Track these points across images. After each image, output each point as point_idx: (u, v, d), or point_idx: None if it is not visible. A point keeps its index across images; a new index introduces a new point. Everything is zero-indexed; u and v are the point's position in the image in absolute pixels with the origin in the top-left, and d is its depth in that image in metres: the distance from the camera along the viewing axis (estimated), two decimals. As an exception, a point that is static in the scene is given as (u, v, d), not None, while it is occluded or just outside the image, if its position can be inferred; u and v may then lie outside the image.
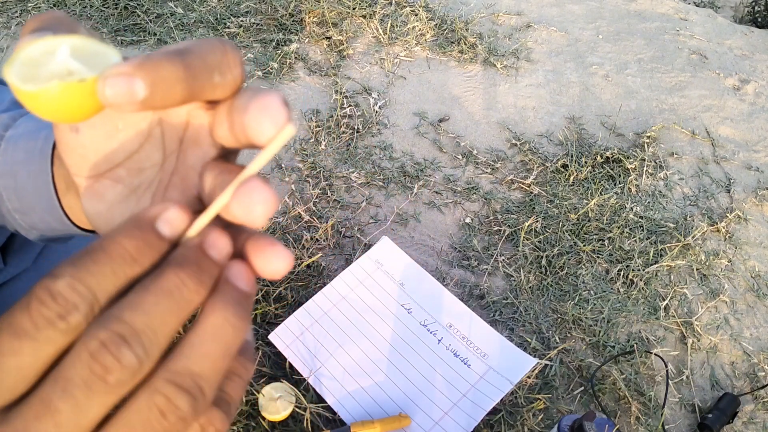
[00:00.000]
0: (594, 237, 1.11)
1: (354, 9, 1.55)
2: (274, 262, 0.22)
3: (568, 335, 0.97)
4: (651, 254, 1.09)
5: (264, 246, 0.23)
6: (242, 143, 0.24)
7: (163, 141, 0.27)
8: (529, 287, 1.02)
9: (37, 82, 0.20)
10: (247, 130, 0.22)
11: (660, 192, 1.23)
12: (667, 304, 1.03)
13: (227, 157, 0.27)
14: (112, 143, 0.26)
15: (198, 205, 0.27)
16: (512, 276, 1.04)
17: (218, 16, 1.50)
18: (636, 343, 0.96)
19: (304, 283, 0.99)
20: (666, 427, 0.89)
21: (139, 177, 0.28)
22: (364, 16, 1.55)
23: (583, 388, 0.91)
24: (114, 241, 0.20)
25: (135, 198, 0.28)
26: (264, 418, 0.81)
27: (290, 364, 0.87)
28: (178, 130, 0.27)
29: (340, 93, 1.33)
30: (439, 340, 0.92)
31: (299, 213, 1.08)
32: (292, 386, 0.83)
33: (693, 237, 1.13)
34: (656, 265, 1.07)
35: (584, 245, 1.09)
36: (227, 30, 1.46)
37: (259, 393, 0.82)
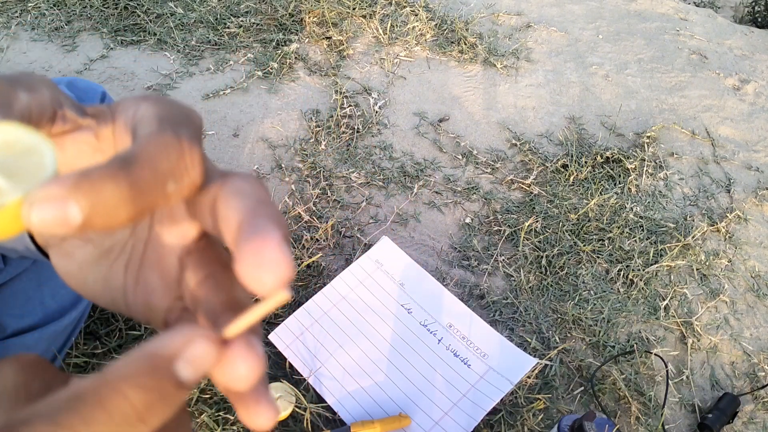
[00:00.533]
0: (594, 237, 1.11)
1: (354, 9, 1.55)
2: (257, 419, 0.19)
3: (568, 335, 0.97)
4: (651, 254, 1.09)
5: (250, 401, 0.19)
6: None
7: None
8: (529, 287, 1.02)
9: None
10: (240, 275, 0.18)
11: (660, 192, 1.23)
12: (667, 304, 1.03)
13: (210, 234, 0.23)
14: None
15: (178, 295, 0.23)
16: (512, 276, 1.04)
17: (218, 16, 1.50)
18: (636, 343, 0.96)
19: (304, 283, 0.99)
20: (666, 427, 0.89)
21: (109, 239, 0.25)
22: (364, 16, 1.55)
23: (583, 388, 0.91)
24: (116, 391, 0.16)
25: (107, 263, 0.25)
26: (264, 418, 0.81)
27: (290, 364, 0.87)
28: None
29: (340, 93, 1.33)
30: (439, 340, 0.92)
31: (299, 213, 1.08)
32: (292, 386, 0.83)
33: (693, 237, 1.13)
34: (656, 265, 1.07)
35: (584, 245, 1.09)
36: (227, 30, 1.46)
37: (259, 393, 0.82)
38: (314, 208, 1.10)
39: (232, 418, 0.81)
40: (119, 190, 0.17)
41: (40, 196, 0.16)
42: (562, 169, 1.23)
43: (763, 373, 0.97)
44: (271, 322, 0.93)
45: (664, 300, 1.03)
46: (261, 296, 0.18)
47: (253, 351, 0.18)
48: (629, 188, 1.21)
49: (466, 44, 1.50)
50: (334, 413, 0.84)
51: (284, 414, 0.80)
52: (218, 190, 0.20)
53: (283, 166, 1.17)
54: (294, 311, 0.93)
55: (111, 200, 0.17)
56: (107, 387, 0.16)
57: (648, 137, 1.32)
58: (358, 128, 1.26)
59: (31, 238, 0.33)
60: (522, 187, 1.19)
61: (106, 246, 0.25)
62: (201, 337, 0.17)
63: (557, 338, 0.96)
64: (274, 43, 1.44)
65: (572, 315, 0.98)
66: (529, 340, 0.95)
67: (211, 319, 0.20)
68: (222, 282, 0.21)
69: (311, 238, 1.04)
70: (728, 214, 1.20)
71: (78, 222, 0.16)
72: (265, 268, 0.17)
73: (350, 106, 1.31)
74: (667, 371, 0.93)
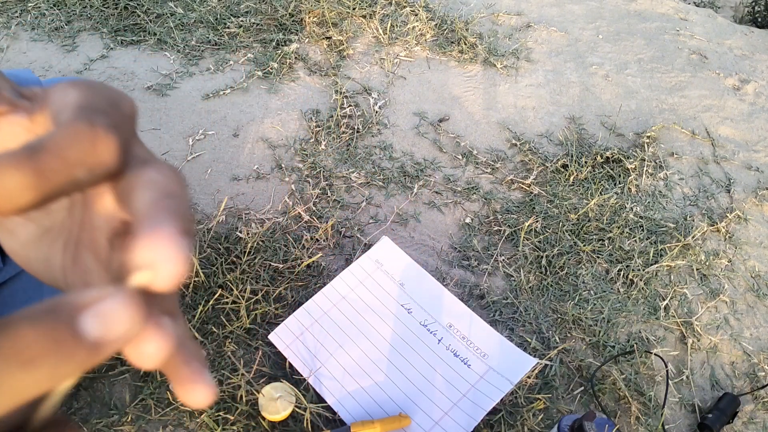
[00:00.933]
0: (594, 237, 1.11)
1: (354, 9, 1.55)
2: (193, 397, 0.20)
3: (568, 335, 0.97)
4: (651, 254, 1.09)
5: (185, 379, 0.20)
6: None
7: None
8: (529, 287, 1.02)
9: None
10: (133, 265, 0.18)
11: (660, 192, 1.23)
12: (667, 304, 1.03)
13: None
14: None
15: (113, 275, 0.24)
16: (512, 276, 1.04)
17: (218, 16, 1.50)
18: (636, 343, 0.96)
19: (304, 283, 0.99)
20: (666, 427, 0.89)
21: (49, 218, 0.25)
22: (364, 16, 1.55)
23: (583, 388, 0.91)
24: (11, 324, 0.15)
25: (48, 240, 0.25)
26: (264, 418, 0.81)
27: (290, 364, 0.87)
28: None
29: (340, 93, 1.33)
30: (439, 340, 0.92)
31: (299, 213, 1.08)
32: (292, 386, 0.83)
33: (693, 237, 1.13)
34: (656, 265, 1.07)
35: (584, 245, 1.09)
36: (227, 30, 1.46)
37: (259, 393, 0.82)
38: (314, 208, 1.10)
39: (232, 418, 0.81)
40: (22, 177, 0.17)
41: None
42: (562, 169, 1.23)
43: (763, 373, 0.97)
44: (271, 322, 0.93)
45: (664, 300, 1.03)
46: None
47: (161, 330, 0.18)
48: (629, 188, 1.21)
49: (466, 44, 1.50)
50: (334, 413, 0.84)
51: (284, 414, 0.80)
52: (134, 179, 0.20)
53: (283, 166, 1.17)
54: (294, 311, 0.93)
55: (12, 185, 0.17)
56: (4, 320, 0.15)
57: (648, 137, 1.32)
58: (358, 128, 1.26)
59: None
60: (522, 187, 1.19)
61: (46, 225, 0.25)
62: (117, 297, 0.17)
63: (557, 338, 0.96)
64: (274, 43, 1.44)
65: (572, 315, 0.98)
66: (529, 340, 0.95)
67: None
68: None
69: (311, 238, 1.04)
70: (728, 214, 1.20)
71: None
72: (157, 261, 0.17)
73: (350, 106, 1.31)
74: (667, 371, 0.93)
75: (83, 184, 0.19)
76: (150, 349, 0.18)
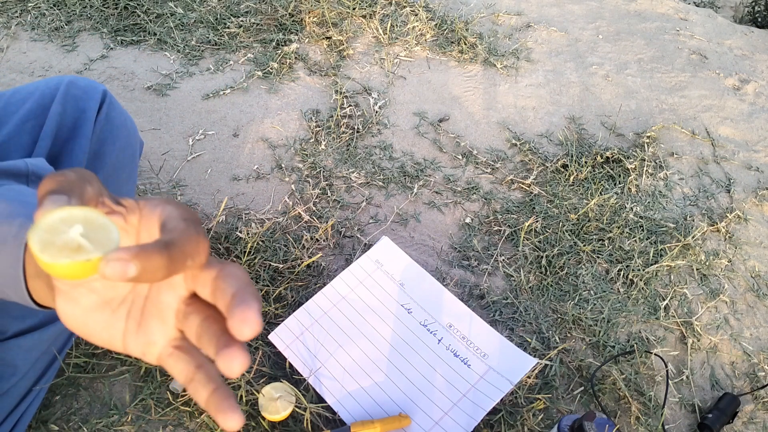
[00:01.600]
0: (594, 237, 1.11)
1: (354, 9, 1.55)
2: (232, 365, 0.28)
3: (568, 335, 0.97)
4: (651, 254, 1.09)
5: (220, 406, 0.29)
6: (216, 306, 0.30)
7: None
8: (529, 287, 1.02)
9: (52, 252, 0.26)
10: (230, 329, 0.28)
11: (660, 192, 1.23)
12: (667, 304, 1.03)
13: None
14: None
15: (183, 342, 0.32)
16: (512, 276, 1.04)
17: (218, 16, 1.50)
18: (636, 343, 0.96)
19: (304, 283, 0.99)
20: (666, 427, 0.89)
21: (112, 291, 0.33)
22: (364, 16, 1.55)
23: (583, 388, 0.91)
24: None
25: (110, 309, 0.33)
26: (264, 418, 0.81)
27: (290, 364, 0.87)
28: None
29: (340, 93, 1.33)
30: (439, 340, 0.92)
31: (299, 213, 1.08)
32: (292, 386, 0.83)
33: (693, 237, 1.13)
34: (656, 265, 1.07)
35: (584, 245, 1.09)
36: (227, 30, 1.46)
37: (259, 393, 0.82)
38: (314, 208, 1.10)
39: (232, 418, 0.81)
40: (161, 261, 0.27)
41: (112, 257, 0.26)
42: (562, 169, 1.23)
43: (763, 373, 0.97)
44: (271, 322, 0.93)
45: (664, 300, 1.03)
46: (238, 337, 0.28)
47: (246, 353, 0.28)
48: (629, 188, 1.21)
49: (466, 44, 1.50)
50: (334, 413, 0.84)
51: (284, 414, 0.80)
52: (218, 271, 0.30)
53: (283, 166, 1.17)
54: (294, 311, 0.93)
55: (154, 267, 0.26)
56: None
57: (648, 137, 1.32)
58: (358, 128, 1.26)
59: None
60: (522, 187, 1.19)
61: (107, 297, 0.33)
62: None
63: (557, 338, 0.96)
64: (274, 43, 1.44)
65: (572, 315, 0.98)
66: (529, 340, 0.95)
67: (214, 340, 0.30)
68: (216, 319, 0.31)
69: (311, 238, 1.04)
70: (728, 214, 1.20)
71: (132, 276, 0.26)
72: (245, 325, 0.27)
73: (350, 106, 1.31)
74: (667, 371, 0.93)
75: (188, 269, 0.29)
76: (235, 368, 0.28)
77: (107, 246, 0.27)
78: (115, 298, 0.33)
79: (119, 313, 0.33)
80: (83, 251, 0.26)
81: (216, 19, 1.49)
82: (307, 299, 0.95)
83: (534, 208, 1.15)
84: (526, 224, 1.10)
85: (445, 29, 1.56)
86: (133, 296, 0.33)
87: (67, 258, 0.26)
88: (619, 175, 1.24)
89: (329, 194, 1.13)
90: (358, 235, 1.07)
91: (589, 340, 0.96)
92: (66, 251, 0.26)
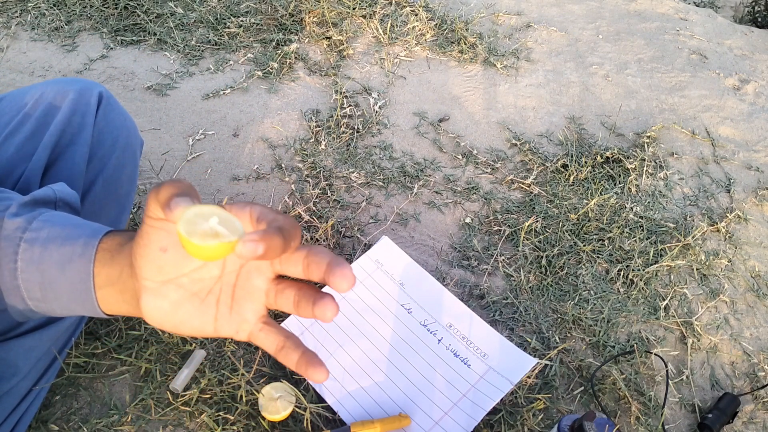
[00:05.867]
0: (594, 237, 1.11)
1: (354, 9, 1.55)
2: (326, 309, 0.36)
3: (568, 335, 0.97)
4: (651, 254, 1.09)
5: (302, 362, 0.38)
6: (309, 279, 0.37)
7: (224, 263, 0.38)
8: (529, 287, 1.03)
9: (196, 238, 0.32)
10: (332, 286, 0.35)
11: (660, 192, 1.23)
12: (667, 304, 1.03)
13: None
14: (186, 261, 0.37)
15: (269, 318, 0.39)
16: (512, 276, 1.04)
17: (218, 16, 1.50)
18: (636, 343, 0.96)
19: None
20: (666, 427, 0.89)
21: (198, 285, 0.38)
22: (364, 16, 1.55)
23: (583, 388, 0.91)
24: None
25: (198, 300, 0.38)
26: (264, 418, 0.81)
27: (290, 364, 0.87)
28: (239, 262, 0.39)
29: (340, 93, 1.33)
30: (439, 340, 0.92)
31: (299, 213, 1.08)
32: (292, 386, 0.83)
33: (693, 237, 1.13)
34: (656, 265, 1.07)
35: (584, 245, 1.09)
36: (227, 30, 1.46)
37: (259, 393, 0.82)
38: (314, 208, 1.10)
39: (232, 418, 0.81)
40: (280, 242, 0.32)
41: (247, 239, 0.31)
42: (562, 169, 1.23)
43: (763, 373, 0.97)
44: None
45: (664, 300, 1.03)
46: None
47: (336, 302, 0.36)
48: (629, 188, 1.21)
49: (466, 44, 1.50)
50: (334, 413, 0.84)
51: (284, 414, 0.80)
52: (308, 251, 0.36)
53: (283, 166, 1.17)
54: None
55: (276, 246, 0.32)
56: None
57: (648, 137, 1.32)
58: (358, 128, 1.26)
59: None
60: (522, 187, 1.19)
61: (195, 289, 0.38)
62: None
63: (557, 338, 0.96)
64: (274, 43, 1.44)
65: (572, 315, 0.98)
66: (529, 340, 0.95)
67: (311, 301, 0.36)
68: (307, 288, 0.37)
69: (311, 238, 1.04)
70: (728, 214, 1.20)
71: (260, 254, 0.31)
72: (345, 280, 0.34)
73: (350, 106, 1.31)
74: (667, 371, 0.93)
75: (290, 249, 0.34)
76: (329, 314, 0.36)
77: (237, 232, 0.32)
78: (202, 290, 0.38)
79: (208, 301, 0.38)
80: (221, 236, 0.32)
81: (216, 19, 1.49)
82: (307, 299, 0.94)
83: (534, 208, 1.15)
84: (526, 224, 1.10)
85: (445, 29, 1.56)
86: (220, 286, 0.38)
87: (213, 240, 0.31)
88: (619, 175, 1.24)
89: (329, 194, 1.13)
90: (358, 235, 1.07)
91: (589, 340, 0.96)
92: (207, 237, 0.32)
